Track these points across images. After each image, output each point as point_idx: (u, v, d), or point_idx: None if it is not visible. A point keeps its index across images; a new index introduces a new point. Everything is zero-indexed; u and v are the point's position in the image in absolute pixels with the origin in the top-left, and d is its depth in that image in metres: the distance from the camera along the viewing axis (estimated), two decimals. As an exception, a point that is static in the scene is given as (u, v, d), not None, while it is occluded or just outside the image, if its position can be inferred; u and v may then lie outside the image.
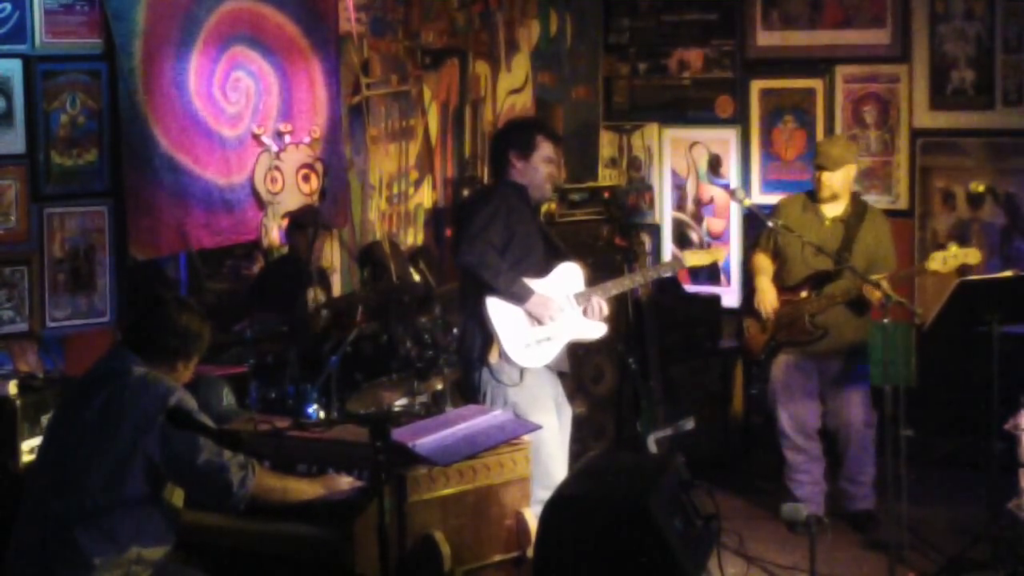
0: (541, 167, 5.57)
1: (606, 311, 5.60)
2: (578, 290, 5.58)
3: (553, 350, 5.46)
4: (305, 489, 4.19)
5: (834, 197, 6.29)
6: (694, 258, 6.01)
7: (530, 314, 5.38)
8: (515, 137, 5.65)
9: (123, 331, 4.19)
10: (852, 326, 6.19)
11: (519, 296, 5.34)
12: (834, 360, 6.29)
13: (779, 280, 6.38)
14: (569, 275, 5.59)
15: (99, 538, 3.86)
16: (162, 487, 3.96)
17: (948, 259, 5.93)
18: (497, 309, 5.34)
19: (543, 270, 5.52)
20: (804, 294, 6.27)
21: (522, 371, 5.37)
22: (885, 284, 5.73)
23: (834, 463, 6.50)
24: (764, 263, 6.44)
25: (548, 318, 5.40)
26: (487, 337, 5.36)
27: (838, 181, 6.27)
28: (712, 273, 8.52)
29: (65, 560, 3.86)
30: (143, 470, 3.89)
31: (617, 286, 5.81)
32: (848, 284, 6.10)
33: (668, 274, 6.06)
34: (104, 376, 4.03)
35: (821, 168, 6.28)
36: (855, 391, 6.26)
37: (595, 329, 5.61)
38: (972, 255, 5.99)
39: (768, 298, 6.31)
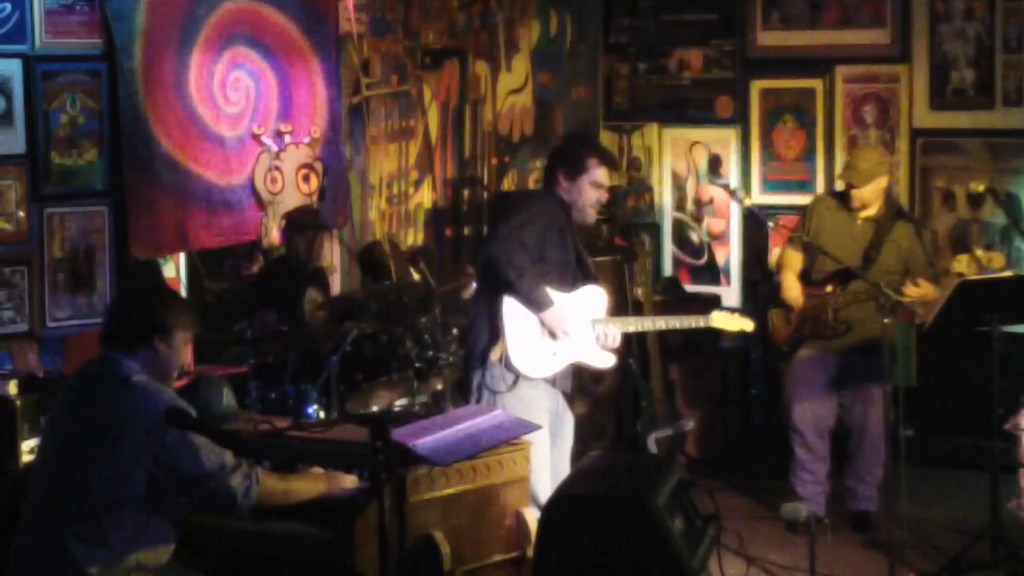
0: (587, 191, 5.43)
1: (618, 343, 5.50)
2: (598, 316, 5.47)
3: (555, 366, 5.38)
4: (308, 489, 4.18)
5: (865, 207, 6.32)
6: (721, 320, 5.78)
7: (543, 324, 5.30)
8: (567, 155, 5.52)
9: (101, 337, 4.14)
10: (877, 323, 6.17)
11: (538, 303, 5.24)
12: (857, 356, 6.29)
13: (807, 274, 6.42)
14: (593, 298, 5.48)
15: (94, 546, 3.83)
16: (163, 495, 3.94)
17: (971, 263, 5.94)
18: (512, 310, 5.26)
19: (569, 287, 5.42)
20: (829, 289, 6.30)
21: (517, 378, 5.31)
22: (919, 287, 5.82)
23: (839, 462, 6.50)
24: (792, 259, 6.46)
25: (561, 333, 5.30)
26: (494, 335, 5.30)
27: (868, 193, 6.29)
28: (712, 273, 8.53)
29: (61, 569, 3.84)
30: (143, 480, 3.86)
31: (637, 323, 5.77)
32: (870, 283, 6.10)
33: (693, 327, 5.89)
34: (101, 381, 3.98)
35: (850, 186, 6.31)
36: (875, 390, 6.21)
37: (603, 358, 5.51)
38: (997, 259, 6.00)
39: (793, 292, 6.34)
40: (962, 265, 5.94)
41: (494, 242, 5.25)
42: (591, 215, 5.54)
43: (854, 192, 6.29)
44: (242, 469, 3.95)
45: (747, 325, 5.83)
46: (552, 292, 5.30)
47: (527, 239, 5.24)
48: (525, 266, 5.20)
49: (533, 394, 5.34)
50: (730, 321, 5.79)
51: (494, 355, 5.30)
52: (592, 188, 5.44)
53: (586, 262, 5.58)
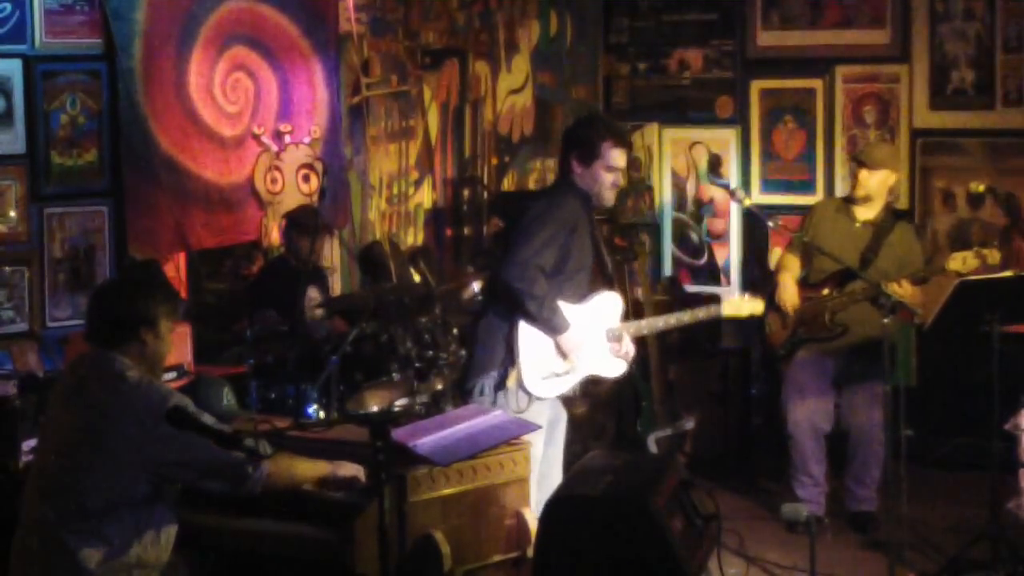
0: (602, 175, 5.30)
1: (632, 354, 5.47)
2: (612, 324, 5.41)
3: (569, 383, 5.35)
4: (312, 468, 4.16)
5: (867, 199, 6.31)
6: (731, 308, 5.68)
7: (558, 347, 5.25)
8: (579, 140, 5.36)
9: (86, 335, 4.12)
10: (873, 324, 6.17)
11: (555, 328, 5.18)
12: (853, 357, 6.30)
13: (804, 277, 6.41)
14: (608, 306, 5.41)
15: (95, 543, 3.83)
16: (162, 490, 3.94)
17: (968, 259, 5.94)
18: (526, 336, 5.21)
19: (585, 295, 5.35)
20: (826, 291, 6.30)
21: (531, 399, 5.25)
22: (900, 287, 5.80)
23: (838, 463, 6.50)
24: (791, 263, 6.47)
25: (574, 357, 5.27)
26: (510, 360, 5.22)
27: (875, 183, 6.28)
28: (712, 273, 8.53)
29: (63, 567, 3.84)
30: (140, 477, 3.86)
31: (650, 325, 5.68)
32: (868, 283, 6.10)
33: (704, 319, 5.78)
34: (95, 379, 3.97)
35: (860, 164, 6.31)
36: (870, 391, 6.22)
37: (616, 368, 5.46)
38: (992, 255, 6.00)
39: (789, 295, 6.33)
40: (957, 263, 5.94)
41: (514, 268, 5.12)
42: (609, 198, 5.42)
43: (861, 176, 6.28)
44: (247, 444, 3.90)
45: (757, 308, 5.73)
46: (567, 307, 5.23)
47: (546, 262, 5.13)
48: (543, 295, 5.11)
49: (537, 409, 5.28)
50: (740, 306, 5.70)
51: (511, 382, 5.25)
52: (607, 172, 5.30)
53: (604, 259, 5.50)
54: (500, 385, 5.25)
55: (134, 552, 3.88)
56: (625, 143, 5.42)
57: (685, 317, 5.67)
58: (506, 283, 5.14)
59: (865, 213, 6.36)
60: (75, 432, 3.92)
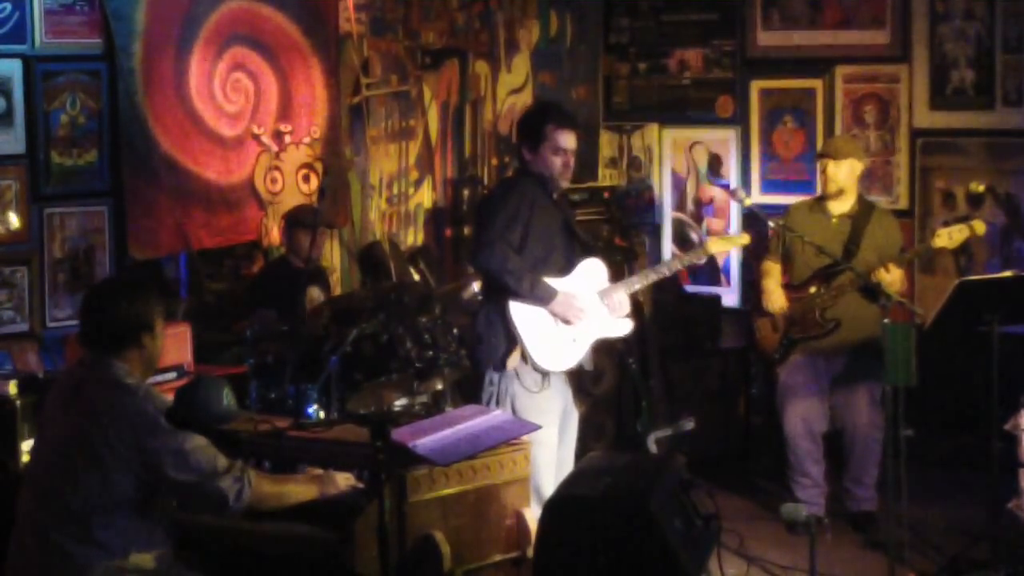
0: (550, 158, 5.37)
1: (627, 307, 5.51)
2: (602, 287, 5.49)
3: (580, 351, 5.40)
4: (301, 492, 4.18)
5: (840, 192, 6.31)
6: (716, 245, 5.82)
7: (555, 315, 5.31)
8: (524, 128, 5.50)
9: (83, 339, 4.11)
10: (865, 319, 6.16)
11: (542, 298, 5.25)
12: (844, 357, 6.30)
13: (788, 280, 6.40)
14: (592, 272, 5.49)
15: (92, 547, 3.84)
16: (156, 497, 3.94)
17: (954, 234, 5.94)
18: (521, 313, 5.27)
19: (566, 267, 5.43)
20: (813, 290, 6.29)
21: (545, 376, 5.31)
22: (888, 273, 5.80)
23: (837, 463, 6.50)
24: (772, 268, 6.46)
25: (574, 318, 5.33)
26: (511, 342, 5.29)
27: (843, 174, 6.28)
28: (712, 273, 8.53)
29: (59, 569, 3.85)
30: (133, 483, 3.87)
31: (641, 279, 5.72)
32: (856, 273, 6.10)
33: (694, 263, 5.84)
34: (93, 384, 3.96)
35: (826, 156, 6.31)
36: (864, 390, 6.25)
37: (621, 326, 5.53)
38: (978, 226, 6.01)
39: (775, 298, 6.33)
40: (943, 239, 5.95)
41: (482, 251, 5.25)
42: (562, 181, 5.48)
43: (829, 170, 6.28)
44: (233, 472, 3.94)
45: (742, 240, 5.94)
46: (553, 280, 5.30)
47: (512, 238, 5.23)
48: (519, 267, 5.20)
49: (549, 392, 5.36)
50: (726, 243, 5.92)
51: (511, 362, 5.28)
52: (554, 154, 5.37)
53: (578, 233, 5.55)
54: (500, 366, 5.31)
55: (132, 558, 3.88)
56: (569, 124, 5.46)
57: (675, 263, 5.85)
58: (480, 267, 5.30)
59: (840, 207, 6.35)
60: (70, 436, 3.91)
